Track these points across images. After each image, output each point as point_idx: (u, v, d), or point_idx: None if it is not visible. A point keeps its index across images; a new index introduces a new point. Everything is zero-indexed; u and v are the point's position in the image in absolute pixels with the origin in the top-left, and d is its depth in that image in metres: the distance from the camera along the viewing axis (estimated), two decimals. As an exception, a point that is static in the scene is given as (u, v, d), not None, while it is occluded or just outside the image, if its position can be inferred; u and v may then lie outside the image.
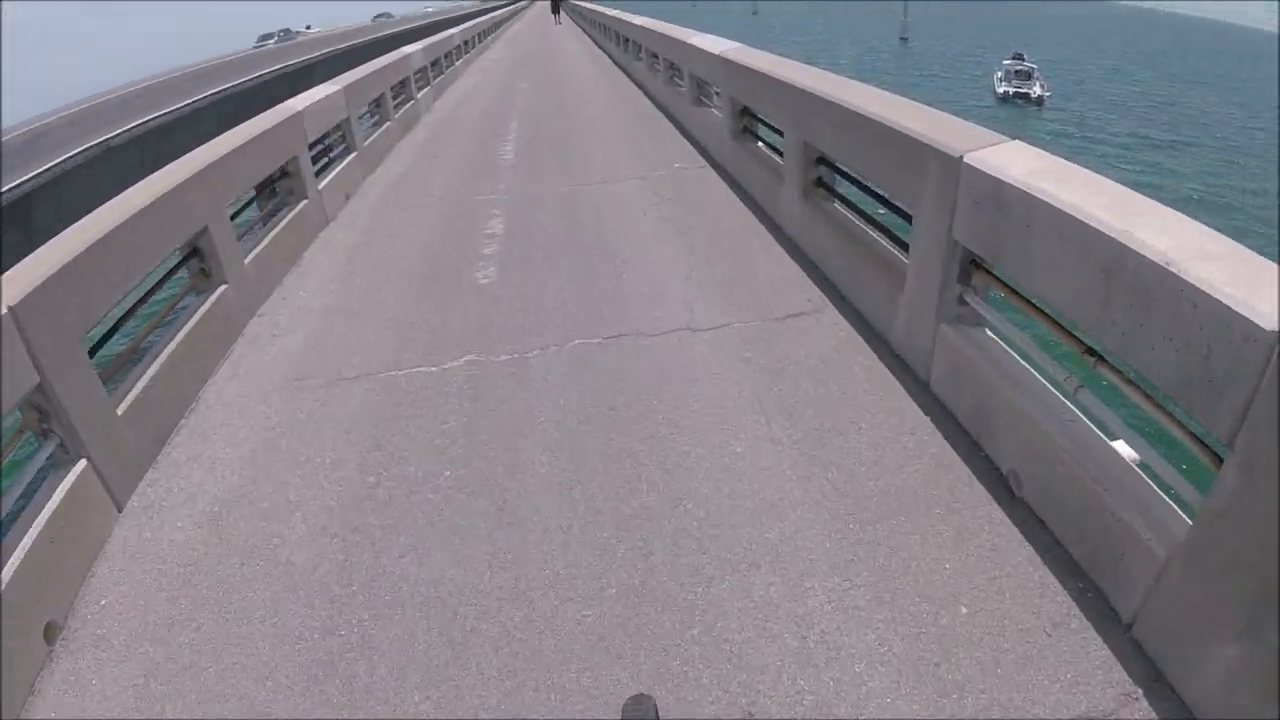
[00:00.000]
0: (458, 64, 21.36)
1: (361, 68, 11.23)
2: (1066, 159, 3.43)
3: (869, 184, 4.96)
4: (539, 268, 6.12)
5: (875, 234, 5.12)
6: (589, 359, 4.73)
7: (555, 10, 49.26)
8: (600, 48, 27.10)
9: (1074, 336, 3.13)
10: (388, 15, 79.96)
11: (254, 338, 5.39)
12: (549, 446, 3.94)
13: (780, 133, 6.34)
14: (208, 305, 5.03)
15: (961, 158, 3.57)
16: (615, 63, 21.04)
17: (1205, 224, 2.71)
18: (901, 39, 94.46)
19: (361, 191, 8.93)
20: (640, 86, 15.52)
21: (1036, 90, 52.90)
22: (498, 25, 41.04)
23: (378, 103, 11.58)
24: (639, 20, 16.07)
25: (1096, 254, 2.74)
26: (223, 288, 5.23)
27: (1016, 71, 54.60)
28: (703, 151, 9.38)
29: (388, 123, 11.53)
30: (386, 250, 6.87)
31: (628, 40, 18.47)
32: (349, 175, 8.92)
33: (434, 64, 17.60)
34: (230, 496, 3.78)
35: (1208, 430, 2.34)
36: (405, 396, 4.49)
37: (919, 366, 4.32)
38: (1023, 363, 3.70)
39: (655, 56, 13.95)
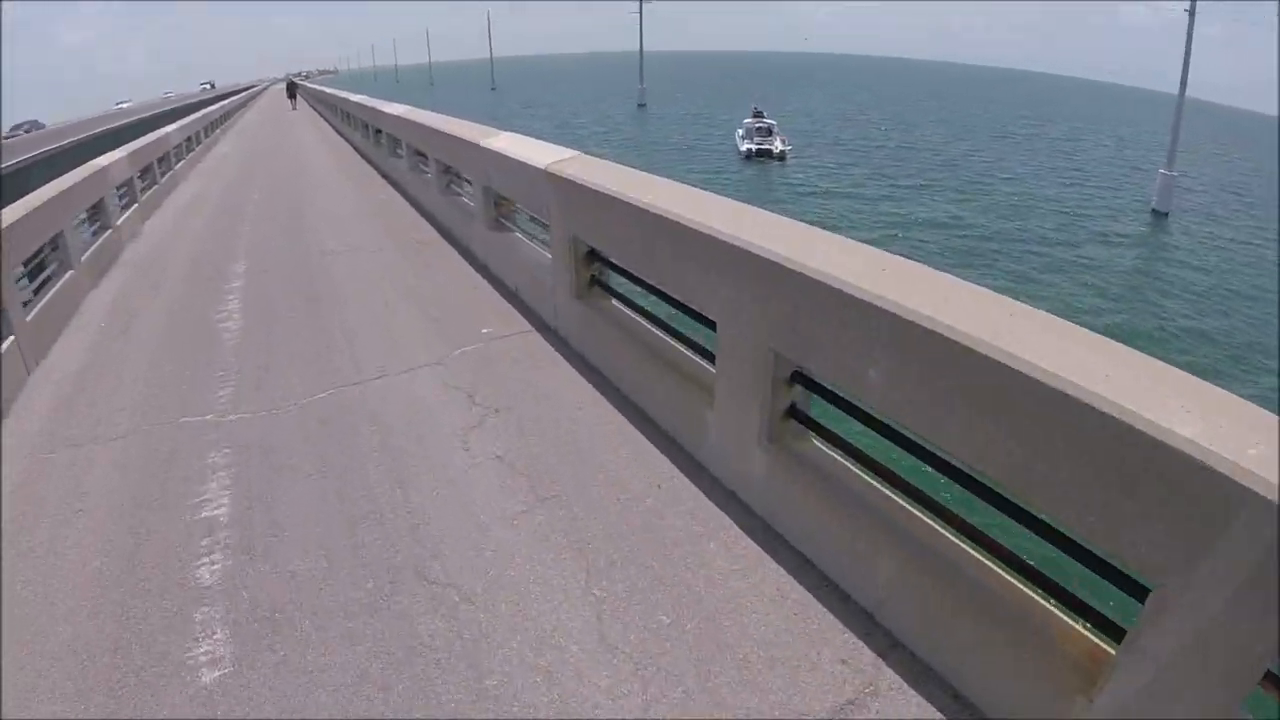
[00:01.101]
0: (178, 166, 17.26)
1: (24, 201, 7.48)
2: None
3: (958, 464, 2.57)
4: (310, 649, 3.15)
5: (991, 564, 2.72)
6: None
7: (291, 95, 49.62)
8: (343, 137, 23.78)
9: None
10: (34, 124, 56.71)
11: None
12: None
13: (709, 323, 3.84)
14: None
15: None
16: (363, 157, 17.90)
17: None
18: (639, 105, 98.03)
19: (9, 425, 5.36)
20: (401, 191, 12.57)
21: (778, 146, 55.77)
22: (227, 116, 36.11)
23: (54, 244, 7.86)
24: (394, 109, 13.10)
25: None
26: None
27: (758, 129, 57.40)
28: (517, 301, 6.70)
29: (70, 271, 7.86)
30: (16, 633, 3.53)
31: (379, 132, 15.51)
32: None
33: (145, 171, 13.70)
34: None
35: None
36: None
37: None
38: None
39: (422, 155, 11.18)
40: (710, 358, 4.02)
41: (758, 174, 51.88)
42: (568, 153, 5.63)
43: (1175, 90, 40.61)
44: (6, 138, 41.69)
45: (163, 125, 19.56)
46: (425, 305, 6.88)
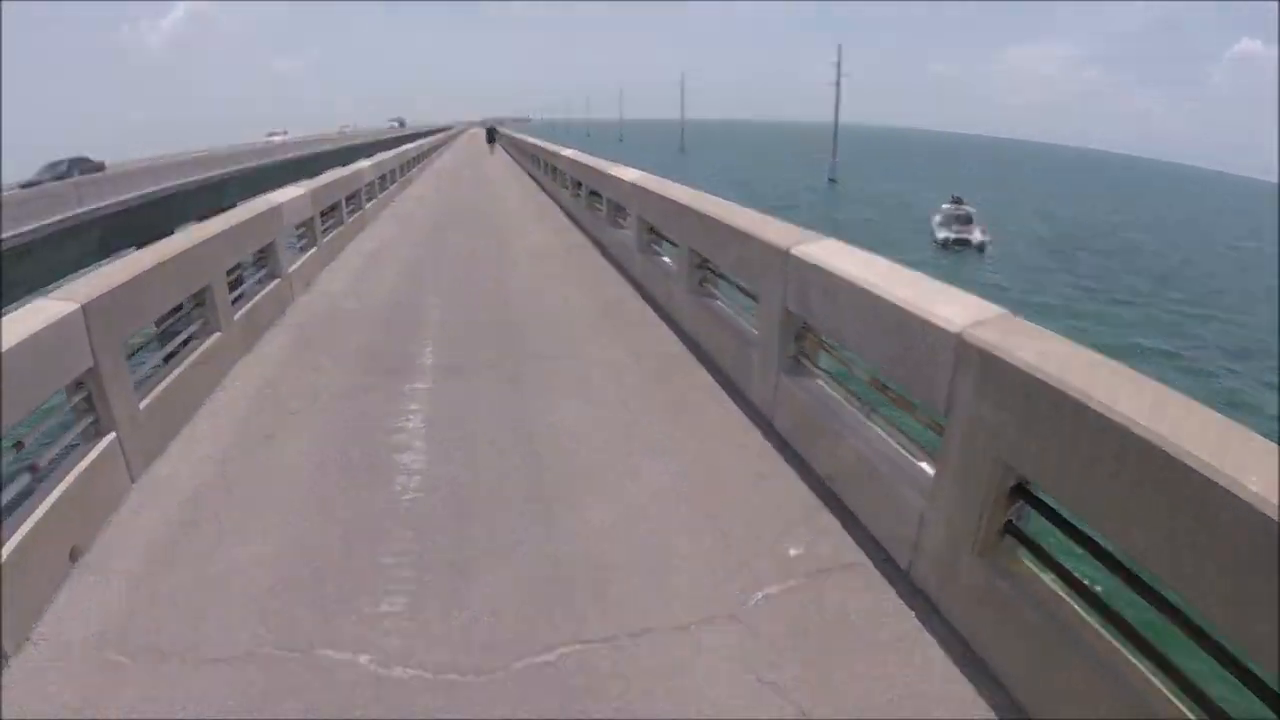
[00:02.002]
0: (368, 206, 16.64)
1: (154, 249, 6.19)
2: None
3: None
4: None
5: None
6: None
7: (490, 140, 50.27)
8: (544, 190, 22.99)
9: None
10: (81, 162, 35.55)
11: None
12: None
13: None
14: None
15: None
16: (571, 219, 16.65)
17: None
18: (830, 180, 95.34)
19: (85, 578, 3.84)
20: (625, 272, 10.82)
21: (978, 236, 51.50)
22: (424, 154, 36.98)
23: (199, 299, 6.64)
24: (627, 173, 11.11)
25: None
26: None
27: (956, 216, 53.42)
28: (831, 498, 4.46)
29: (216, 334, 6.61)
30: None
31: (595, 194, 14.11)
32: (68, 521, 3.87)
33: (329, 211, 12.91)
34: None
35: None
36: None
37: None
38: None
39: (658, 234, 9.47)
40: None
41: (953, 266, 47.67)
42: (988, 309, 3.48)
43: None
44: (29, 184, 30.11)
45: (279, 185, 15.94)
46: (694, 486, 4.72)
